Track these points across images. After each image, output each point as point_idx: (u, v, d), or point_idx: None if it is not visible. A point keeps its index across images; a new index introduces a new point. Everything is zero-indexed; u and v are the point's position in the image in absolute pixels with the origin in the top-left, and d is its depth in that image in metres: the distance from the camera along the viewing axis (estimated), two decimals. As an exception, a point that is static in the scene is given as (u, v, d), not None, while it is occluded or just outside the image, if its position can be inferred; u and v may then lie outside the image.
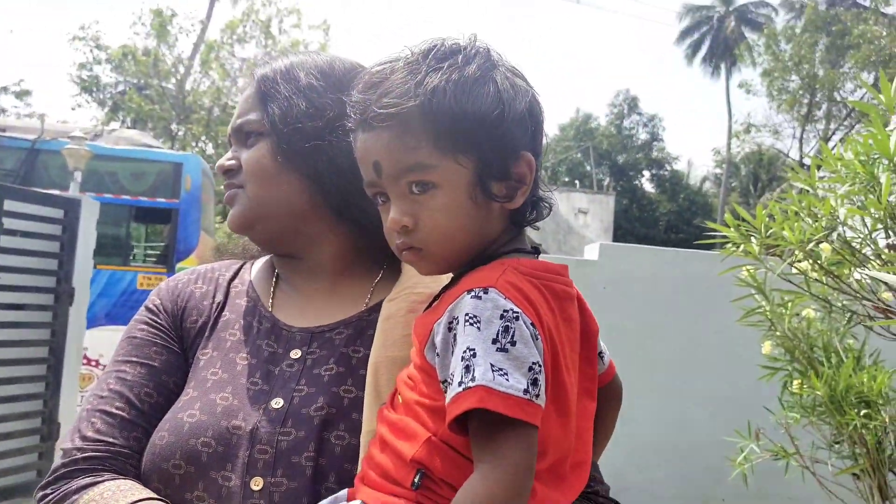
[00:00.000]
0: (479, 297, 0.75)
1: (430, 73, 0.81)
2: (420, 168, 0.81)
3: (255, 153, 1.04)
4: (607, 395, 0.95)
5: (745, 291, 2.31)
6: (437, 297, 0.88)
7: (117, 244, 9.05)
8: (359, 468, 0.86)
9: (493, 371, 0.71)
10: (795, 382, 2.33)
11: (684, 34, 35.74)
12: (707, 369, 4.96)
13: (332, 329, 1.02)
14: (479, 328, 0.73)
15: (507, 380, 0.71)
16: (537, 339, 0.75)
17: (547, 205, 0.91)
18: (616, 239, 24.09)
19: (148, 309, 1.09)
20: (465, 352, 0.73)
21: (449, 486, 0.76)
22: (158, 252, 10.01)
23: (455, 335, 0.75)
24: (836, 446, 2.38)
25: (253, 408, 0.93)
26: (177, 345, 1.05)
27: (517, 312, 0.74)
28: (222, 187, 1.07)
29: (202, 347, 1.03)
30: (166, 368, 1.02)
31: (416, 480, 0.76)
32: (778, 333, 2.32)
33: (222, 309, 1.07)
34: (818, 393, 2.17)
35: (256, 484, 0.87)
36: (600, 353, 0.93)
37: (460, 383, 0.71)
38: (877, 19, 20.87)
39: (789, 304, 2.23)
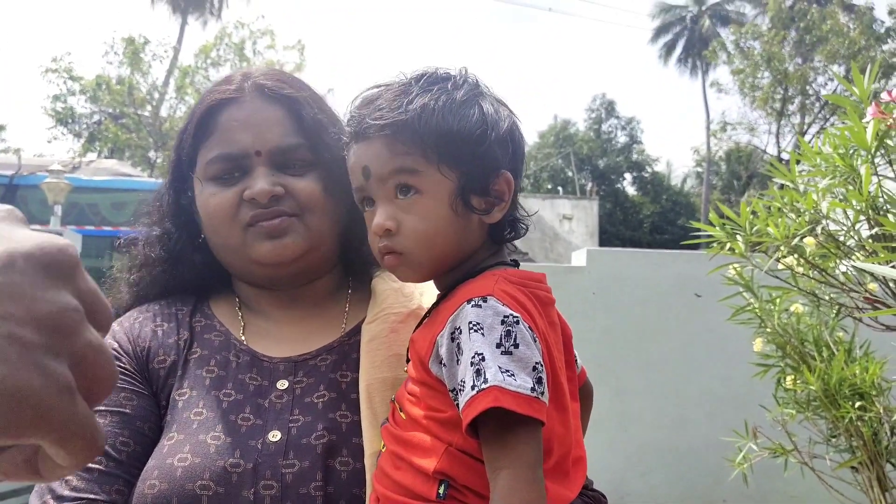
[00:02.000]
0: (480, 306, 0.79)
1: (421, 94, 0.87)
2: (407, 171, 0.86)
3: (314, 184, 1.02)
4: (581, 397, 0.99)
5: (733, 290, 2.31)
6: (428, 313, 0.91)
7: (101, 276, 8.94)
8: (367, 490, 0.87)
9: (502, 372, 0.74)
10: (789, 378, 2.34)
11: (657, 34, 36.14)
12: (701, 369, 4.97)
13: (314, 356, 1.01)
14: (483, 334, 0.77)
15: (515, 380, 0.74)
16: (536, 342, 0.79)
17: (524, 225, 0.96)
18: (602, 243, 24.21)
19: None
20: (473, 357, 0.76)
21: (473, 493, 0.79)
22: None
23: (459, 344, 0.79)
24: (833, 440, 2.38)
25: (249, 443, 0.90)
26: (145, 388, 0.99)
27: (517, 317, 0.79)
28: (252, 214, 1.00)
29: (177, 388, 0.98)
30: (139, 414, 0.95)
31: (440, 492, 0.79)
32: (768, 330, 2.32)
33: (191, 346, 1.02)
34: (812, 388, 2.17)
35: None
36: (574, 357, 0.97)
37: (473, 387, 0.75)
38: (841, 12, 21.23)
39: (777, 301, 2.24)
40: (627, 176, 35.62)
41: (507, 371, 0.75)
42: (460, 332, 0.79)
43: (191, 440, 0.91)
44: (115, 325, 1.05)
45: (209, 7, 27.36)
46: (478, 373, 0.75)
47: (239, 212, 1.00)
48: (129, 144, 19.27)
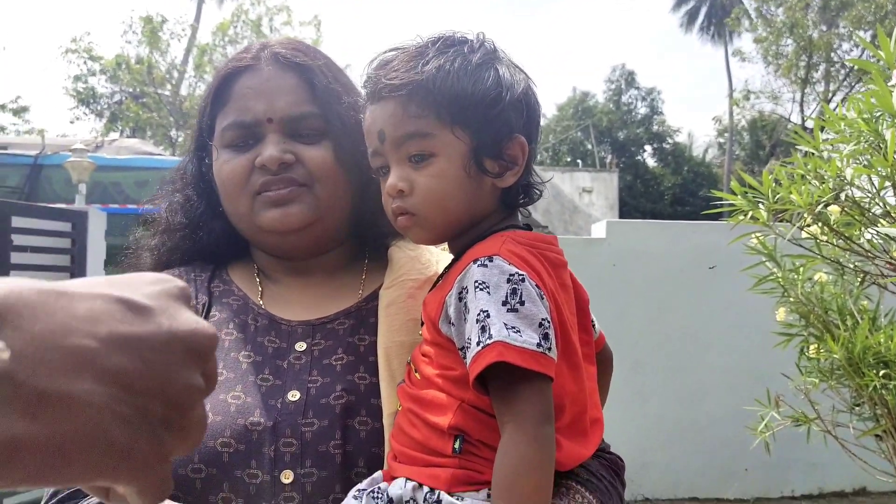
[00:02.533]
0: (486, 265, 0.81)
1: (437, 56, 0.88)
2: (420, 135, 0.87)
3: (325, 153, 1.02)
4: (599, 362, 0.99)
5: (755, 259, 2.30)
6: (440, 278, 0.93)
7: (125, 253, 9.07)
8: (386, 449, 0.89)
9: (507, 329, 0.76)
10: (812, 347, 2.33)
11: (679, 2, 35.46)
12: (722, 341, 4.96)
13: (332, 320, 1.02)
14: (488, 292, 0.79)
15: (521, 335, 0.76)
16: (543, 299, 0.80)
17: (537, 191, 0.96)
18: (622, 216, 24.03)
19: None
20: (479, 314, 0.78)
21: (487, 447, 0.81)
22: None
23: (466, 303, 0.81)
24: (857, 409, 2.37)
25: (269, 403, 0.92)
26: None
27: (522, 275, 0.80)
28: (262, 181, 1.01)
29: None
30: None
31: (456, 447, 0.81)
32: (791, 299, 2.31)
33: (209, 310, 1.04)
34: (836, 356, 2.16)
35: (287, 477, 0.87)
36: (592, 322, 0.98)
37: (479, 343, 0.76)
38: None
39: (801, 269, 2.22)
40: (648, 147, 35.20)
41: (513, 327, 0.76)
42: (467, 292, 0.81)
43: (211, 399, 0.92)
44: None
45: (225, -16, 27.25)
46: (483, 329, 0.77)
47: (250, 179, 1.01)
48: (151, 123, 19.41)
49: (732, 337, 4.90)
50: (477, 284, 0.80)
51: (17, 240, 4.22)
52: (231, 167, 1.02)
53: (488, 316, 0.77)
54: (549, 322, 0.78)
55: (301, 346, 0.99)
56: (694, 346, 4.99)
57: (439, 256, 1.07)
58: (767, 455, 2.62)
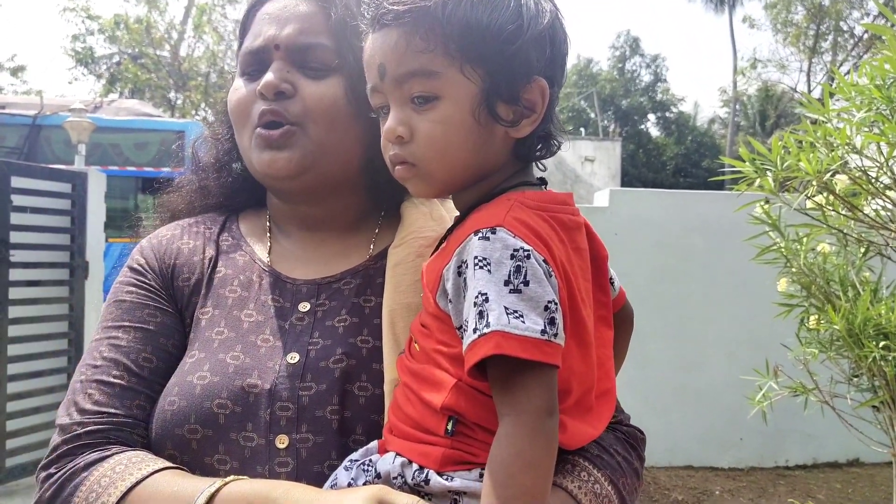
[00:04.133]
0: (488, 238, 0.73)
1: None
2: (424, 74, 0.77)
3: (327, 90, 0.94)
4: (620, 320, 0.94)
5: (758, 230, 2.29)
6: (443, 240, 0.86)
7: (127, 216, 9.07)
8: (385, 418, 0.85)
9: (507, 314, 0.69)
10: (812, 318, 2.32)
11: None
12: (722, 310, 4.97)
13: (338, 280, 0.98)
14: (489, 271, 0.71)
15: (524, 322, 0.68)
16: (551, 277, 0.73)
17: (557, 142, 0.86)
18: (624, 185, 23.94)
19: (133, 270, 1.01)
20: (476, 297, 0.70)
21: (483, 430, 0.75)
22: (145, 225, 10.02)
23: (465, 279, 0.73)
24: (855, 380, 2.38)
25: (268, 365, 0.90)
26: (170, 305, 0.98)
27: (528, 250, 0.72)
28: (260, 111, 0.94)
29: (200, 306, 0.97)
30: (162, 331, 0.96)
31: (449, 428, 0.76)
32: (794, 270, 2.30)
33: (215, 265, 1.01)
34: (836, 327, 2.16)
35: (282, 442, 0.86)
36: (611, 278, 0.91)
37: (475, 330, 0.69)
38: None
39: (804, 240, 2.21)
40: (651, 117, 34.92)
41: (515, 312, 0.69)
42: (466, 267, 0.73)
43: (211, 359, 0.91)
44: (143, 242, 1.06)
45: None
46: (480, 315, 0.69)
47: (253, 108, 0.96)
48: (149, 85, 19.21)
49: (734, 306, 4.91)
50: (477, 261, 0.72)
51: (17, 200, 4.19)
52: (238, 95, 0.98)
53: (487, 300, 0.69)
54: (556, 304, 0.71)
55: (305, 306, 0.96)
56: (695, 315, 5.00)
57: (454, 213, 1.00)
58: (764, 425, 2.63)
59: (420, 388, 0.79)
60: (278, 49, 0.95)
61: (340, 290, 0.98)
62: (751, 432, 4.83)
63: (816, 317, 2.31)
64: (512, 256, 0.71)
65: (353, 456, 0.84)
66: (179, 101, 19.72)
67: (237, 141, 1.01)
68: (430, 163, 0.80)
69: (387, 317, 0.91)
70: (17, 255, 4.21)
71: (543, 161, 0.88)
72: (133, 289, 0.99)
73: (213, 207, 1.10)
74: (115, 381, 0.91)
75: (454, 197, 0.86)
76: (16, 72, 22.78)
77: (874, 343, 2.10)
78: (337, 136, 0.95)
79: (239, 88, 0.99)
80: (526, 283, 0.70)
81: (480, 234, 0.73)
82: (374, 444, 0.84)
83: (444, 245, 0.83)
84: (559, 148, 0.87)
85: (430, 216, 0.99)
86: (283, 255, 1.03)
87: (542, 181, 0.86)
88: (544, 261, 0.73)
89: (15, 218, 4.19)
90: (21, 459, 4.23)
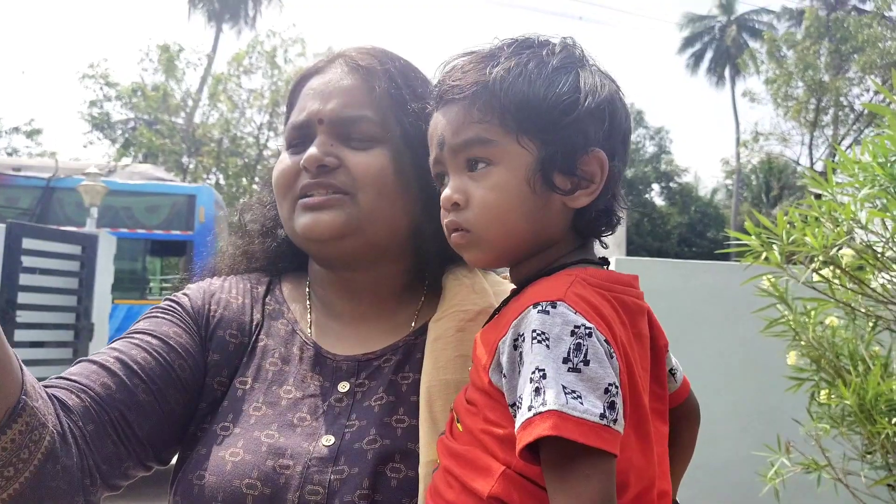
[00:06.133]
0: (547, 312, 0.69)
1: (509, 58, 0.80)
2: (480, 142, 0.78)
3: (374, 160, 0.95)
4: (683, 415, 0.90)
5: (765, 301, 2.28)
6: (497, 311, 0.83)
7: (134, 278, 9.12)
8: (420, 502, 0.81)
9: (565, 394, 0.65)
10: (823, 392, 2.29)
11: (686, 44, 35.92)
12: (733, 383, 4.89)
13: (379, 356, 0.96)
14: (547, 346, 0.67)
15: (582, 403, 0.65)
16: (612, 358, 0.69)
17: (618, 217, 0.85)
18: (629, 254, 23.98)
19: (174, 301, 1.01)
20: (533, 373, 0.67)
21: None
22: (174, 284, 10.07)
23: (521, 354, 0.70)
24: (869, 456, 2.33)
25: (302, 446, 0.88)
26: (197, 339, 0.97)
27: (590, 328, 0.68)
28: (303, 184, 0.96)
29: (240, 375, 0.96)
30: (180, 349, 0.94)
31: None
32: (803, 343, 2.28)
33: (260, 331, 1.00)
34: (847, 402, 2.13)
35: None
36: (671, 370, 0.88)
37: (530, 407, 0.66)
38: (880, 22, 20.87)
39: (812, 313, 2.20)
40: (655, 186, 35.30)
41: (573, 392, 0.65)
42: (523, 341, 0.70)
43: (245, 436, 0.89)
44: (192, 285, 1.06)
45: (244, 16, 27.83)
46: (536, 391, 0.66)
47: (297, 181, 0.96)
48: (163, 150, 19.63)
49: (745, 379, 4.84)
50: (535, 335, 0.68)
51: (27, 261, 4.24)
52: (281, 168, 0.99)
53: (544, 377, 0.66)
54: (616, 388, 0.67)
55: (344, 386, 0.94)
56: (705, 388, 4.89)
57: (498, 288, 0.98)
58: (777, 502, 2.56)
59: (463, 473, 0.74)
60: (322, 123, 0.96)
61: (380, 367, 0.95)
62: (763, 510, 4.69)
63: (827, 391, 2.28)
64: (572, 333, 0.68)
65: None
66: (192, 166, 20.10)
67: (279, 210, 1.02)
68: (485, 229, 0.79)
69: (424, 394, 0.88)
70: (23, 316, 4.22)
71: (620, 220, 0.87)
72: (167, 313, 0.99)
73: (256, 271, 1.11)
74: (101, 360, 0.90)
75: (511, 270, 0.84)
76: (31, 134, 23.34)
77: (886, 419, 2.07)
78: (386, 204, 0.95)
79: (283, 161, 1.00)
80: (586, 363, 0.67)
81: (539, 308, 0.70)
82: None
83: (498, 316, 0.80)
84: (619, 222, 0.85)
85: (472, 289, 0.96)
86: (325, 326, 1.02)
87: (605, 260, 0.85)
88: (606, 341, 0.69)
89: (24, 279, 4.22)
90: None
